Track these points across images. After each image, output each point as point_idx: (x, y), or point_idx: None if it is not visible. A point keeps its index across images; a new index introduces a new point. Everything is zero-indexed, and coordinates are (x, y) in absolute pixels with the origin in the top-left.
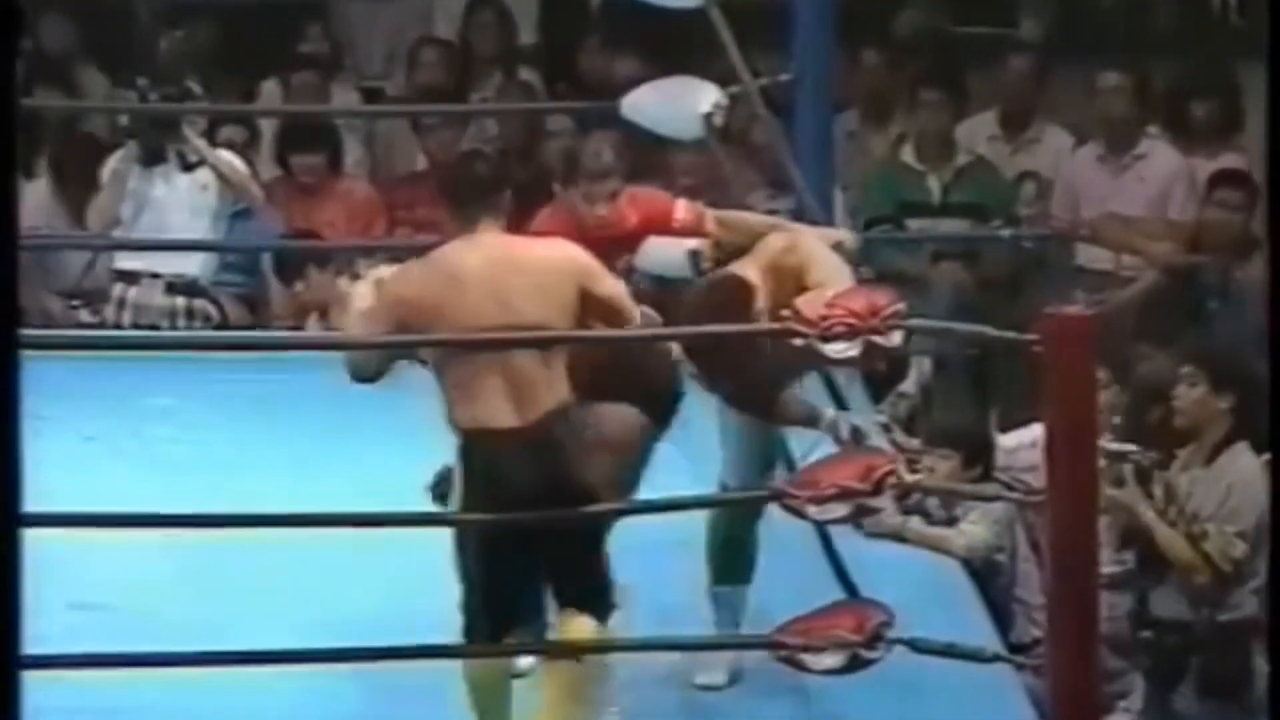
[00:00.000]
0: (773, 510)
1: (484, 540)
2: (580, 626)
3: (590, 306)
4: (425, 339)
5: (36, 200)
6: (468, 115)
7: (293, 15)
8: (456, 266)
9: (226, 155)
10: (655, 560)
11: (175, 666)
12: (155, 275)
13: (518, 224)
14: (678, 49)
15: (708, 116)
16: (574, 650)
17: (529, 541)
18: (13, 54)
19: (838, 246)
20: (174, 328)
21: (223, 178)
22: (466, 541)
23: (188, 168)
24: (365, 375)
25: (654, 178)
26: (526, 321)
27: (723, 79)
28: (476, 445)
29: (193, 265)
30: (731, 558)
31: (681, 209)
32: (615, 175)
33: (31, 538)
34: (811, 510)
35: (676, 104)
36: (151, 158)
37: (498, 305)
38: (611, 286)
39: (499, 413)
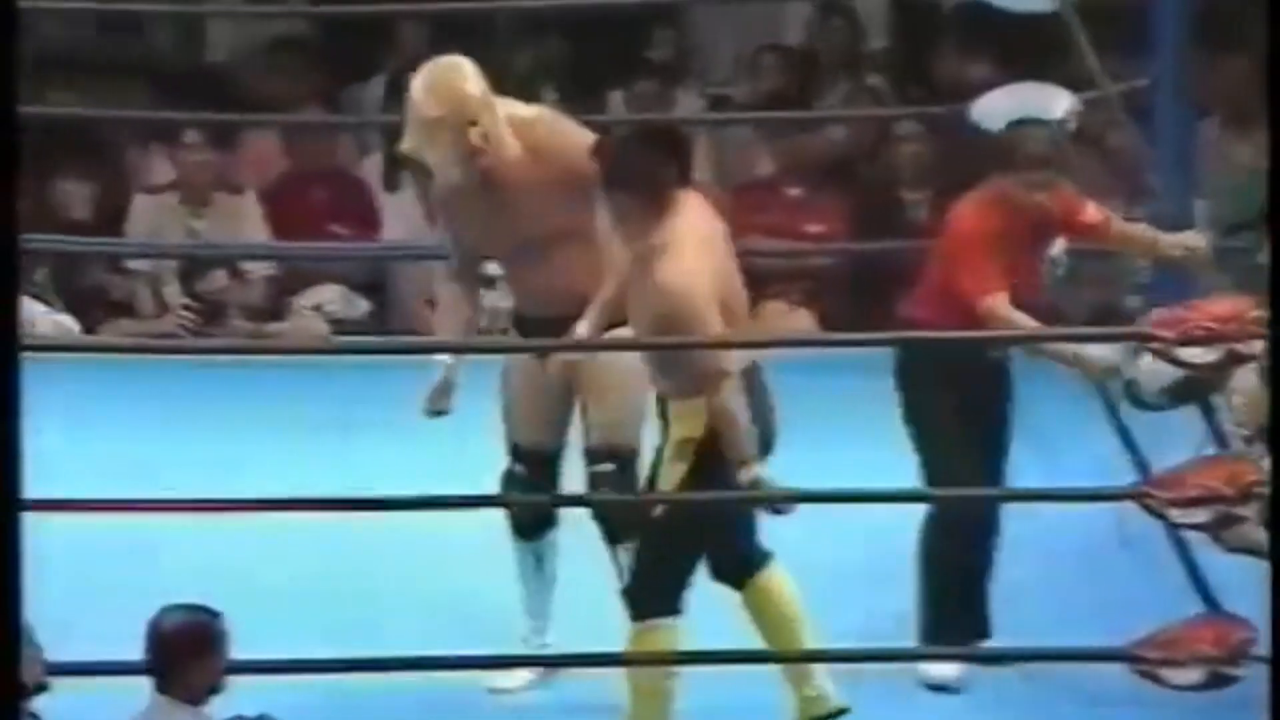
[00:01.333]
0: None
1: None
2: (775, 576)
3: None
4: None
5: (401, 211)
6: (815, 121)
7: (644, 23)
8: (709, 238)
9: None
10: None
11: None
12: None
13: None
14: (1031, 53)
15: (1060, 122)
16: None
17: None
18: (12, 57)
19: (1190, 251)
20: None
21: None
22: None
23: None
24: None
25: None
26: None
27: (1078, 83)
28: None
29: None
30: None
31: (1091, 210)
32: (1052, 164)
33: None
34: (1173, 513)
35: (1028, 110)
36: None
37: (731, 274)
38: None
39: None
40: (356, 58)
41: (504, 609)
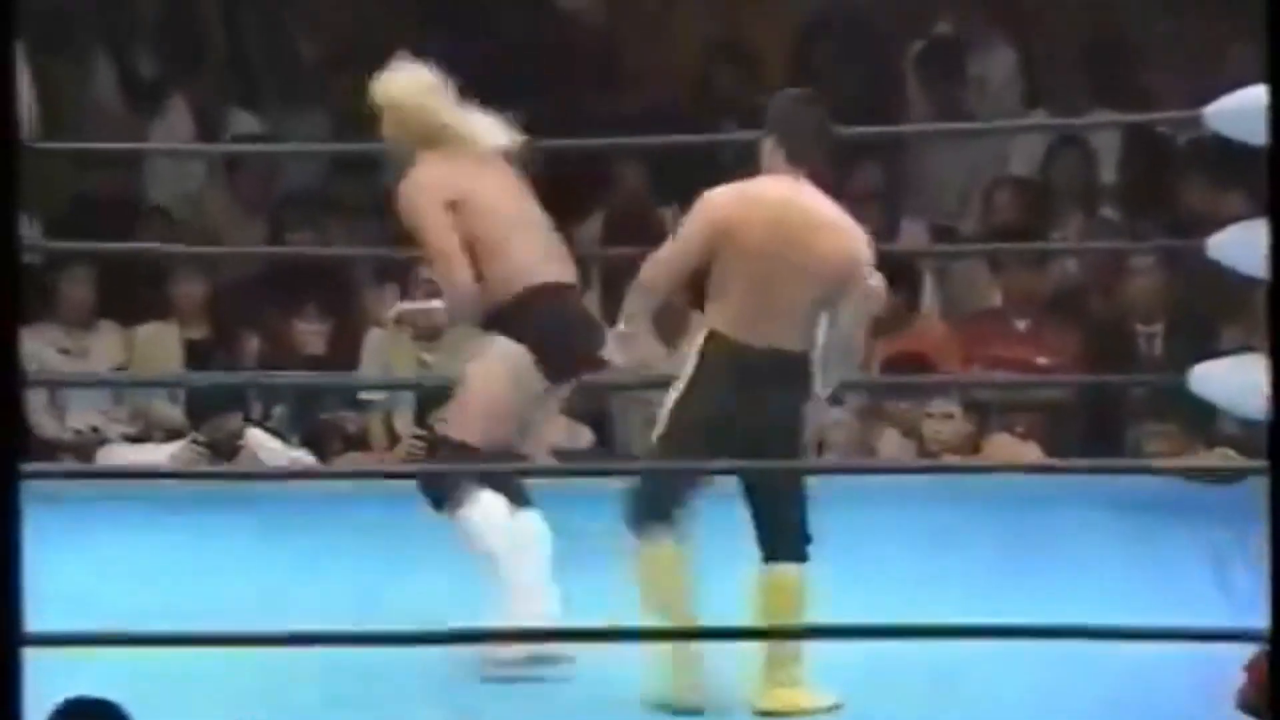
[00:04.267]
0: None
1: (696, 428)
2: (788, 575)
3: (841, 300)
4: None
5: (623, 343)
6: (1046, 254)
7: (848, 155)
8: (759, 199)
9: None
10: None
11: None
12: None
13: None
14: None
15: None
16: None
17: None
18: (11, 62)
19: None
20: None
21: None
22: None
23: None
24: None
25: (1245, 317)
26: (795, 267)
27: None
28: (720, 345)
29: None
30: None
31: None
32: None
33: None
34: None
35: (1264, 243)
36: None
37: (779, 244)
38: (861, 301)
39: (748, 330)
40: (575, 196)
41: None
